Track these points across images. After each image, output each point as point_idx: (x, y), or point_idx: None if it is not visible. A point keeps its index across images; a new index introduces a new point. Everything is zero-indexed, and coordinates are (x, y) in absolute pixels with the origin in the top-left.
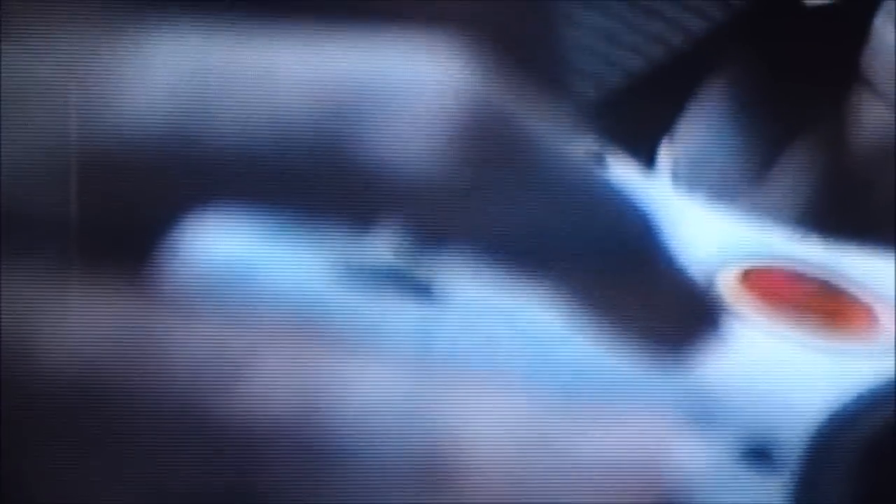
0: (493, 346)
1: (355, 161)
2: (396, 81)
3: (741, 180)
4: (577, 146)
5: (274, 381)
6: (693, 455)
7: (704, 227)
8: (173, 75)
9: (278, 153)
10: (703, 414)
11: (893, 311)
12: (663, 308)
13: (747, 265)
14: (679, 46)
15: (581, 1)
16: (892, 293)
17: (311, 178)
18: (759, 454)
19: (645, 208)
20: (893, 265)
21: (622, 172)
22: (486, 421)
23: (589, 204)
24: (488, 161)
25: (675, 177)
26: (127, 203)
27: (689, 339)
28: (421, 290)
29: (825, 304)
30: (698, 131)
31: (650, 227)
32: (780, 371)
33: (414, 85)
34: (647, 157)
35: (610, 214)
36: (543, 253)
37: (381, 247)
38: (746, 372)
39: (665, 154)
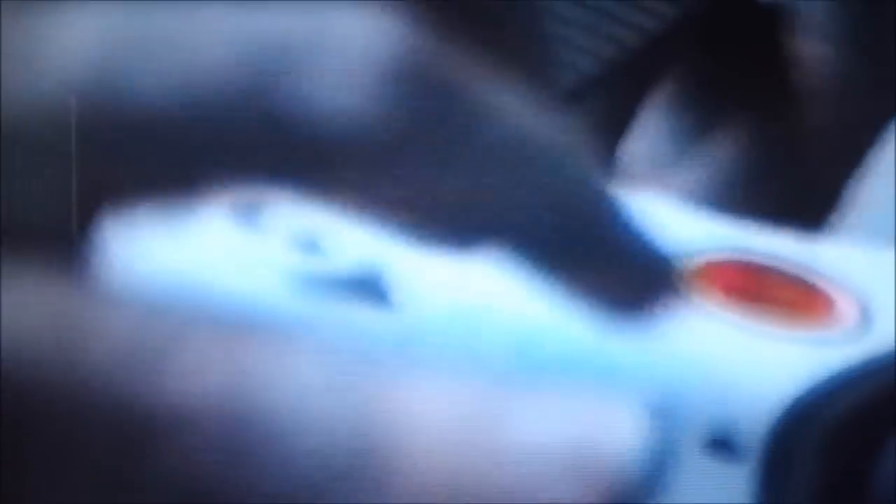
0: (436, 331)
1: (288, 119)
2: (328, 36)
3: (698, 175)
4: (533, 111)
5: (199, 371)
6: (640, 440)
7: (662, 223)
8: (96, 42)
9: (206, 114)
10: (662, 405)
11: (851, 299)
12: (619, 274)
13: (705, 259)
14: (633, 46)
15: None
16: (850, 280)
17: (242, 138)
18: (722, 444)
19: (600, 175)
20: (852, 252)
21: None
22: (425, 408)
23: (540, 168)
24: (425, 118)
25: (634, 175)
26: (51, 182)
27: (646, 305)
28: (376, 293)
29: (784, 294)
30: (655, 130)
31: (606, 193)
32: (741, 361)
33: (346, 40)
34: (607, 155)
35: (561, 179)
36: (488, 216)
37: (337, 250)
38: (707, 363)
39: (624, 153)
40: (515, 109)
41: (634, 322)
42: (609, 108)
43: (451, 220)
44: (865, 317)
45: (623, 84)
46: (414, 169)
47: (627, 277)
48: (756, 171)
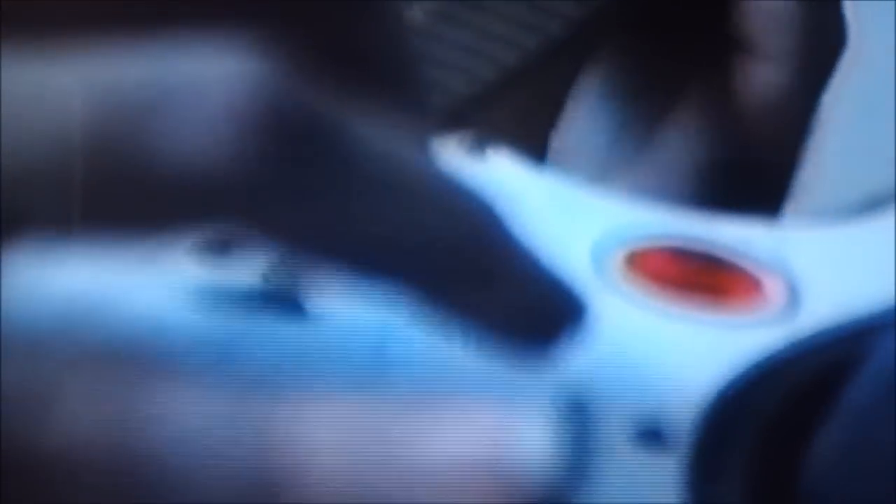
0: (333, 356)
1: (160, 166)
2: (195, 82)
3: (627, 162)
4: (412, 143)
5: (85, 410)
6: (551, 449)
7: (590, 213)
8: None
9: (79, 166)
10: (583, 401)
11: (779, 280)
12: (520, 303)
13: (632, 247)
14: (555, 34)
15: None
16: (778, 262)
17: (120, 186)
18: (651, 434)
19: (490, 201)
20: (780, 234)
21: (504, 167)
22: (322, 431)
23: (424, 200)
24: (300, 158)
25: (565, 166)
26: None
27: (552, 332)
28: (285, 308)
29: (710, 279)
30: (583, 116)
31: (496, 220)
32: (670, 350)
33: (213, 84)
34: (537, 150)
35: (449, 210)
36: (377, 253)
37: (240, 268)
38: (634, 353)
39: (554, 144)
40: (388, 143)
41: (537, 349)
42: (536, 98)
43: (334, 259)
44: (794, 298)
45: (548, 73)
46: (289, 209)
47: (523, 307)
48: (690, 151)
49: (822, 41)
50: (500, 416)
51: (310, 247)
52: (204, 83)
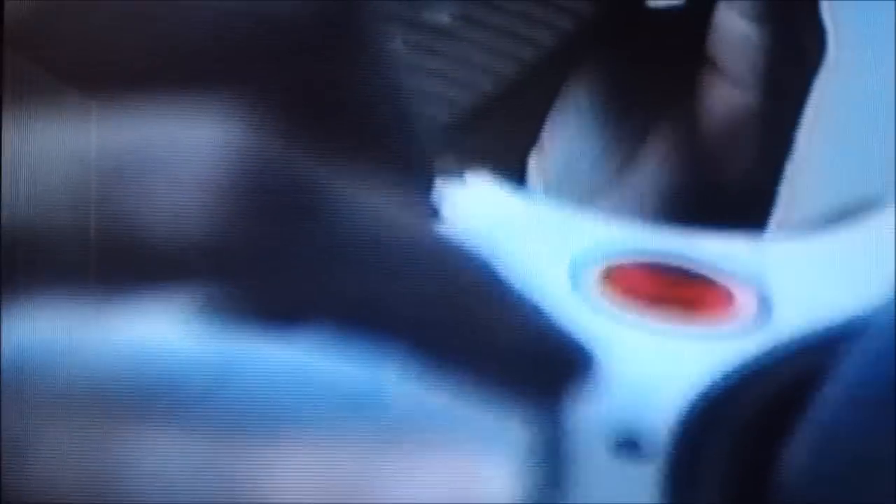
0: (315, 405)
1: (140, 230)
2: (178, 146)
3: (604, 178)
4: (396, 200)
5: (60, 457)
6: (518, 492)
7: (568, 231)
8: None
9: (63, 232)
10: (561, 415)
11: (750, 291)
12: (519, 357)
13: (608, 263)
14: (532, 59)
15: (427, 29)
16: (748, 273)
17: (99, 250)
18: (628, 445)
19: (478, 255)
20: (750, 245)
21: (483, 191)
22: (297, 476)
23: (413, 259)
24: (282, 221)
25: (546, 187)
26: None
27: (554, 384)
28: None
29: (684, 293)
30: (562, 139)
31: (492, 276)
32: (646, 362)
33: (196, 149)
34: (517, 173)
35: (436, 267)
36: (366, 314)
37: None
38: (612, 366)
39: (534, 166)
40: (376, 202)
41: (539, 401)
42: (515, 124)
43: (320, 320)
44: (765, 309)
45: (527, 99)
46: (271, 272)
47: (526, 364)
48: (664, 168)
49: (796, 63)
50: (472, 462)
51: (294, 310)
52: (186, 147)
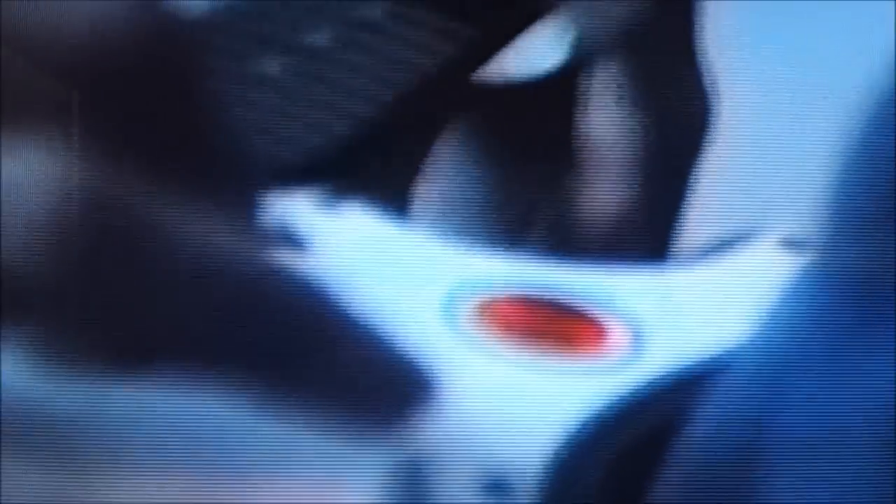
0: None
1: None
2: (13, 184)
3: (484, 211)
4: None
5: None
6: None
7: (443, 263)
8: None
9: None
10: (427, 457)
11: (623, 325)
12: (360, 381)
13: (483, 296)
14: (412, 86)
15: (305, 53)
16: (621, 308)
17: None
18: (498, 487)
19: (323, 285)
20: (624, 279)
21: (358, 220)
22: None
23: (257, 292)
24: (118, 257)
25: (427, 217)
26: None
27: (396, 407)
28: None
29: (558, 327)
30: (443, 169)
31: (330, 303)
32: (517, 400)
33: (32, 186)
34: (396, 203)
35: (278, 296)
36: (205, 346)
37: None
38: (481, 405)
39: (417, 196)
40: (215, 235)
41: (386, 425)
42: (394, 148)
43: (161, 353)
44: (637, 343)
45: (408, 128)
46: (114, 309)
47: (365, 385)
48: (543, 200)
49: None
50: (329, 493)
51: (137, 347)
52: (22, 185)
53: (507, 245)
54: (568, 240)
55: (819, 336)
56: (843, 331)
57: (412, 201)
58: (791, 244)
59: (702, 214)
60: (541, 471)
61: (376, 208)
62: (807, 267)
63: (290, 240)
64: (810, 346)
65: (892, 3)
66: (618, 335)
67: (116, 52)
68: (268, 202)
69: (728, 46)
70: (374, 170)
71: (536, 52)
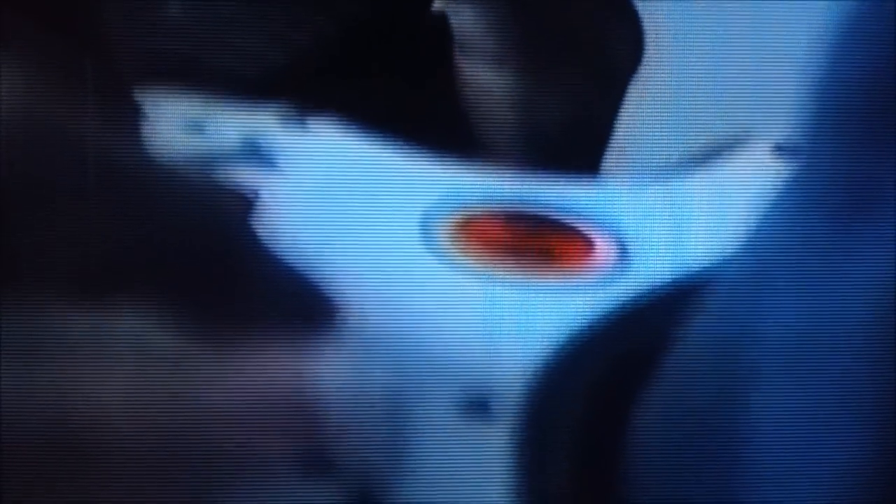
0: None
1: None
2: None
3: (464, 128)
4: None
5: None
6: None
7: (420, 179)
8: None
9: None
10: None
11: (609, 239)
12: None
13: (464, 213)
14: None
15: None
16: (607, 221)
17: None
18: (478, 405)
19: (229, 207)
20: (610, 193)
21: (328, 137)
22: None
23: (158, 208)
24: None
25: (403, 135)
26: None
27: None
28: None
29: (543, 242)
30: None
31: (238, 225)
32: (500, 317)
33: None
34: (369, 118)
35: (189, 217)
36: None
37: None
38: (463, 325)
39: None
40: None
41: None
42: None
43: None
44: (624, 256)
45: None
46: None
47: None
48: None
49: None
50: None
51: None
52: None
53: (482, 160)
54: (541, 149)
55: (805, 245)
56: (830, 235)
57: (386, 118)
58: (780, 151)
59: (688, 124)
60: (522, 392)
61: (347, 124)
62: (794, 176)
63: (256, 155)
64: (795, 257)
65: None
66: (604, 248)
67: None
68: (230, 117)
69: None
70: (343, 84)
71: None
